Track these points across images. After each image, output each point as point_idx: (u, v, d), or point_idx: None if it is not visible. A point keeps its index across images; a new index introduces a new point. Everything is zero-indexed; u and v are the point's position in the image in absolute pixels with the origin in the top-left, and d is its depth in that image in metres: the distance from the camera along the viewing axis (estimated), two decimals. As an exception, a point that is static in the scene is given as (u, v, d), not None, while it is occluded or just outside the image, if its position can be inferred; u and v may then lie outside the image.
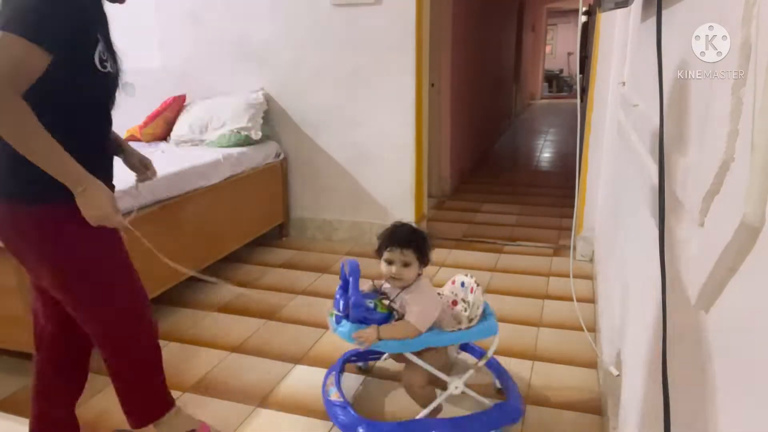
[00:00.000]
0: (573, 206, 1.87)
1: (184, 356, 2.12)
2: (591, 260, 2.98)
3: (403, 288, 1.62)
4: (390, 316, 1.61)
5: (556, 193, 4.55)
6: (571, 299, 2.54)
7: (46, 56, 1.11)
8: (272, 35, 3.20)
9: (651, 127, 1.10)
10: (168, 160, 2.72)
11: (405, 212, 3.24)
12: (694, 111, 0.77)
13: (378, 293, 1.69)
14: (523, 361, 2.06)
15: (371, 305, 1.60)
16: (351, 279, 1.59)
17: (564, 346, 2.16)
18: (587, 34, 3.40)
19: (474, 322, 1.67)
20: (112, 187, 1.40)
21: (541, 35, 12.68)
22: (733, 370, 0.56)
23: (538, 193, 4.63)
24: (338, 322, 1.60)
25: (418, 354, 1.61)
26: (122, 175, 2.35)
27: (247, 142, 3.07)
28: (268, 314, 2.44)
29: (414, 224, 1.67)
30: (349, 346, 1.76)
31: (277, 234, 3.43)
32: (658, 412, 0.72)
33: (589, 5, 3.46)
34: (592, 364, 2.02)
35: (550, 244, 3.30)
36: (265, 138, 3.22)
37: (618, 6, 1.36)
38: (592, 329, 2.26)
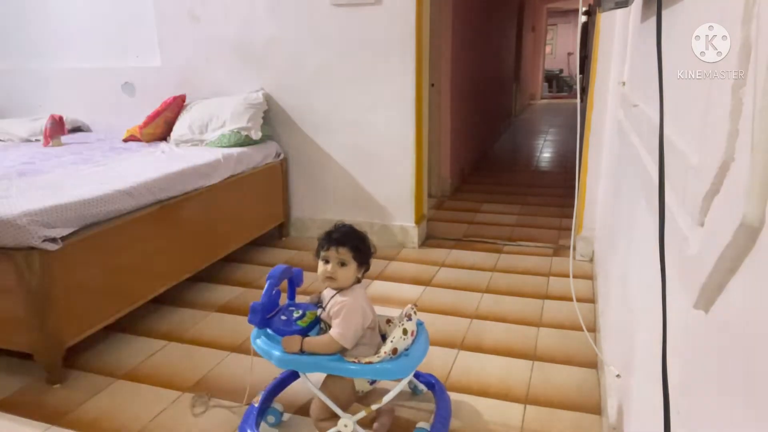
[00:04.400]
0: (573, 206, 1.86)
1: (184, 356, 2.12)
2: (591, 260, 2.98)
3: (338, 291, 1.56)
4: (311, 329, 1.55)
5: (556, 193, 4.56)
6: (571, 299, 2.54)
7: None
8: (272, 35, 3.20)
9: (651, 127, 1.10)
10: (168, 160, 2.73)
11: (405, 212, 3.24)
12: (694, 111, 0.77)
13: (316, 305, 1.64)
14: (522, 361, 2.06)
15: (295, 315, 1.56)
16: (267, 282, 1.55)
17: (564, 346, 2.16)
18: (587, 34, 3.40)
19: (381, 357, 1.48)
20: None
21: (541, 35, 12.68)
22: (733, 370, 0.56)
23: (538, 193, 4.63)
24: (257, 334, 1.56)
25: (324, 380, 1.55)
26: (120, 173, 2.36)
27: (247, 142, 3.07)
28: (268, 314, 2.43)
29: (355, 227, 1.61)
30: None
31: (277, 234, 3.43)
32: (658, 412, 0.72)
33: (589, 5, 3.46)
34: (592, 364, 2.02)
35: (550, 244, 3.30)
36: (265, 138, 3.22)
37: (618, 6, 1.36)
38: (592, 329, 2.26)
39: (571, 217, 3.30)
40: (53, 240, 1.85)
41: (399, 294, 2.64)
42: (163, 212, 2.37)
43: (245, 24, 3.23)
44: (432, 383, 1.81)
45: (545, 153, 6.72)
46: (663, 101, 0.82)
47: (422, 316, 2.40)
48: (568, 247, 3.20)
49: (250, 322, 1.54)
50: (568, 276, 2.82)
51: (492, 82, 6.66)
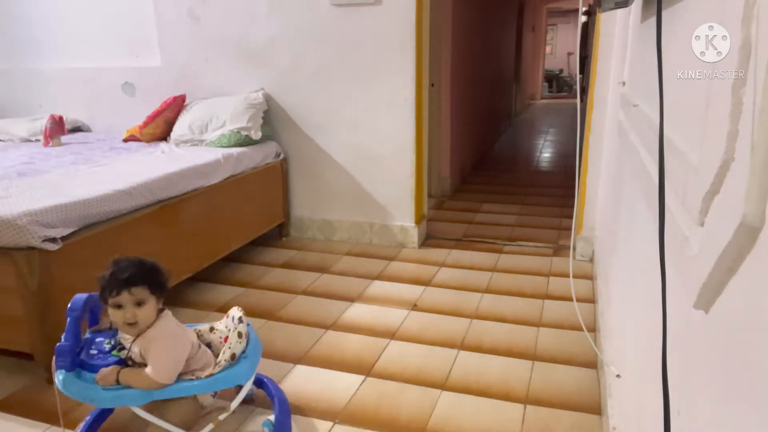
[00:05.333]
0: (573, 206, 1.86)
1: (184, 356, 2.11)
2: (591, 260, 2.98)
3: (144, 330, 1.40)
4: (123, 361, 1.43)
5: (556, 193, 4.56)
6: (571, 299, 2.54)
7: None
8: (272, 35, 3.20)
9: (651, 127, 1.10)
10: (168, 160, 2.73)
11: (405, 212, 3.24)
12: (694, 111, 0.77)
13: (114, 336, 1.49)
14: (522, 361, 2.06)
15: (107, 346, 1.45)
16: (69, 318, 1.40)
17: (564, 346, 2.16)
18: (587, 34, 3.40)
19: (222, 366, 1.45)
20: None
21: (541, 35, 12.68)
22: (733, 370, 0.56)
23: (538, 193, 4.63)
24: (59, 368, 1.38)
25: (162, 404, 1.44)
26: (120, 173, 2.36)
27: (247, 142, 3.07)
28: (268, 314, 2.44)
29: (137, 258, 1.42)
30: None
31: (277, 234, 3.43)
32: (658, 412, 0.72)
33: (589, 5, 3.46)
34: (592, 364, 2.02)
35: (550, 244, 3.30)
36: (265, 138, 3.22)
37: (618, 6, 1.36)
38: (592, 329, 2.26)
39: (571, 217, 3.30)
40: (53, 240, 1.85)
41: (399, 294, 2.64)
42: (163, 212, 2.37)
43: (245, 24, 3.23)
44: (262, 380, 1.79)
45: (545, 153, 6.73)
46: (663, 101, 0.82)
47: (423, 316, 2.41)
48: (568, 247, 3.20)
49: (59, 368, 1.38)
50: (568, 276, 2.82)
51: (492, 82, 6.66)
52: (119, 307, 1.35)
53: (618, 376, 1.34)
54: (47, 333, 1.87)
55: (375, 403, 1.82)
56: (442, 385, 1.91)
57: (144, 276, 1.38)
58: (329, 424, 1.71)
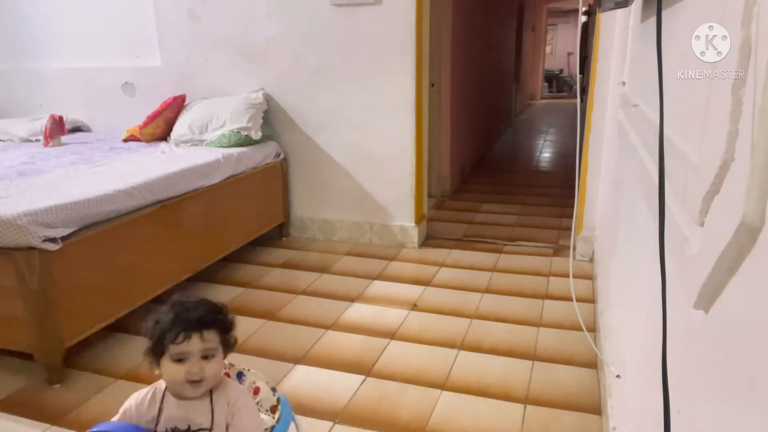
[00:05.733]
0: (573, 206, 1.86)
1: (184, 356, 2.11)
2: (591, 260, 2.98)
3: (208, 395, 1.06)
4: None
5: (556, 193, 4.56)
6: (571, 299, 2.54)
7: None
8: (272, 35, 3.20)
9: (651, 127, 1.10)
10: (168, 160, 2.73)
11: (405, 212, 3.24)
12: (694, 111, 0.77)
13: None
14: (522, 361, 2.06)
15: None
16: None
17: (564, 346, 2.16)
18: (587, 34, 3.40)
19: (276, 414, 1.19)
20: None
21: (541, 35, 12.68)
22: (733, 370, 0.56)
23: (538, 193, 4.63)
24: None
25: None
26: (120, 173, 2.36)
27: (247, 142, 3.07)
28: (268, 314, 2.44)
29: (200, 297, 1.11)
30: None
31: (277, 234, 3.43)
32: (658, 412, 0.72)
33: (589, 5, 3.46)
34: (592, 364, 2.02)
35: (550, 244, 3.30)
36: (265, 138, 3.22)
37: (618, 6, 1.36)
38: (592, 329, 2.26)
39: (571, 217, 3.30)
40: (53, 240, 1.85)
41: (399, 294, 2.64)
42: (163, 212, 2.37)
43: (245, 24, 3.23)
44: None
45: (545, 153, 6.73)
46: (663, 101, 0.82)
47: (423, 316, 2.41)
48: (568, 247, 3.20)
49: None
50: (568, 276, 2.82)
51: (492, 82, 6.66)
52: (180, 360, 1.02)
53: (618, 376, 1.34)
54: (47, 333, 1.87)
55: (375, 403, 1.82)
56: (442, 385, 1.91)
57: (217, 319, 1.07)
58: (329, 424, 1.71)
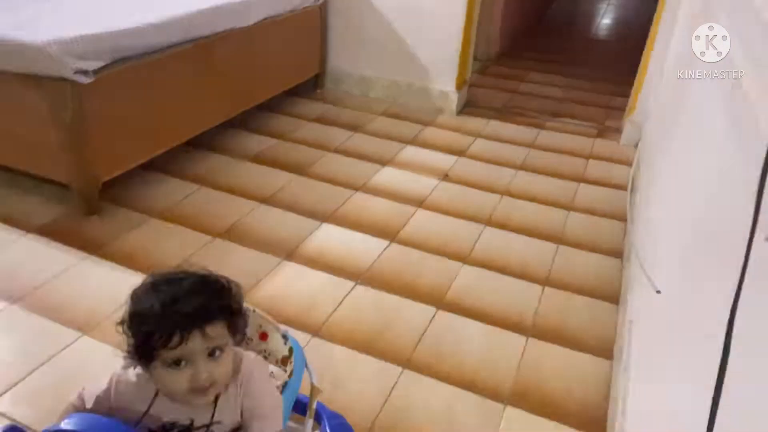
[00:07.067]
0: (627, 84, 1.71)
1: (215, 202, 2.16)
2: (636, 146, 2.84)
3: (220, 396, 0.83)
4: None
5: (612, 66, 4.24)
6: (608, 185, 2.47)
7: None
8: None
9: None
10: (202, -6, 2.55)
11: (447, 75, 3.07)
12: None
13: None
14: (547, 243, 2.05)
15: None
16: None
17: (592, 232, 2.14)
18: None
19: (289, 367, 1.01)
20: None
21: None
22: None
23: (591, 64, 4.32)
24: None
25: None
26: (152, 5, 2.22)
27: (285, -20, 2.83)
28: (299, 169, 2.43)
29: (195, 272, 0.80)
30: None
31: (312, 86, 3.31)
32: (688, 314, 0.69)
33: None
34: (617, 254, 2.01)
35: (595, 123, 3.14)
36: (306, -23, 2.97)
37: None
38: (624, 219, 2.22)
39: (623, 97, 3.09)
40: (85, 72, 1.80)
41: (431, 161, 2.59)
42: (197, 51, 2.27)
43: None
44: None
45: (606, 19, 6.17)
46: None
47: (453, 187, 2.38)
48: (614, 130, 3.05)
49: None
50: (608, 160, 2.72)
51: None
52: (178, 363, 0.76)
53: (658, 291, 1.30)
54: (83, 165, 1.90)
55: (397, 268, 1.86)
56: (465, 259, 1.93)
57: (222, 306, 0.79)
58: (351, 284, 1.77)
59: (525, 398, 1.40)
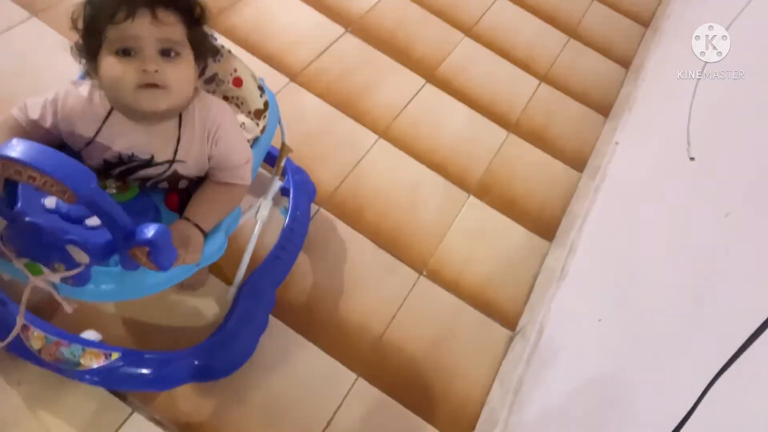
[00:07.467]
0: None
1: None
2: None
3: (175, 119, 0.75)
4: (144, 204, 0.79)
5: None
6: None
7: None
8: None
9: None
10: None
11: None
12: None
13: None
14: (559, 33, 1.87)
15: (109, 192, 0.76)
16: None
17: (607, 32, 1.95)
18: None
19: (262, 122, 0.92)
20: None
21: None
22: None
23: None
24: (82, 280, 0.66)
25: None
26: None
27: None
28: None
29: None
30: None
31: None
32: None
33: None
34: (625, 62, 1.87)
35: None
36: None
37: None
38: (646, 23, 2.02)
39: None
40: None
41: None
42: None
43: None
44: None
45: None
46: None
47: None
48: None
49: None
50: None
51: None
52: (126, 53, 0.67)
53: (693, 159, 1.19)
54: None
55: (393, 25, 1.66)
56: (468, 31, 1.75)
57: None
58: (341, 30, 1.58)
59: (489, 191, 1.40)
